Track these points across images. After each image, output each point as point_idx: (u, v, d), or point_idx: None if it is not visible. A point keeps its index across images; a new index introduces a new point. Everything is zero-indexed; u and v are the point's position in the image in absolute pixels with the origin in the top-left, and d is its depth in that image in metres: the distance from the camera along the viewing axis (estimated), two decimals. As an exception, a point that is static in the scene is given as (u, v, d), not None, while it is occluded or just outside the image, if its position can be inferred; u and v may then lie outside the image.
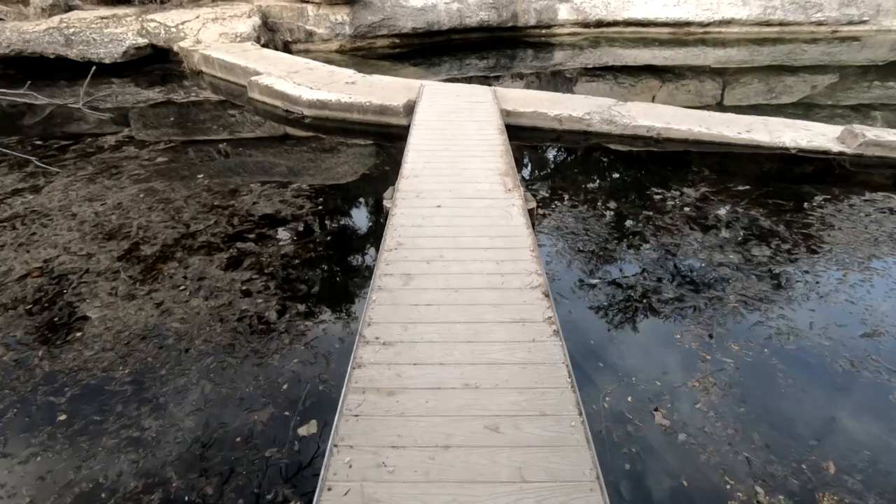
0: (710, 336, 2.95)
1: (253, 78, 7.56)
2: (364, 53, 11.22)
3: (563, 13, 12.22)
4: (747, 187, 4.90)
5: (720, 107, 9.33)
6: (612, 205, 4.61)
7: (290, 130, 6.65)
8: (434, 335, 2.56)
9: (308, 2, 10.49)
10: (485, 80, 10.45)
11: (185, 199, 4.66)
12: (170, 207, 4.51)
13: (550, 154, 5.93)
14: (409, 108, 6.39)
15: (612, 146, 6.05)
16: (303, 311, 3.27)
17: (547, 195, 4.81)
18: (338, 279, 3.66)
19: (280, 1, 10.79)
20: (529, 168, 5.61)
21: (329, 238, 4.13)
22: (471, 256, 3.22)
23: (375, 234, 4.17)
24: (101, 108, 7.58)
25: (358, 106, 6.53)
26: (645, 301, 3.37)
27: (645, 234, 4.13)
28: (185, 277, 3.55)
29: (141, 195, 4.74)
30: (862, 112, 8.95)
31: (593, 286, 3.50)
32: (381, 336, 2.55)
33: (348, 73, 7.62)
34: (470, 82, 10.63)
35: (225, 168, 5.40)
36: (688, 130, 5.78)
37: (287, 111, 7.13)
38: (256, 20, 10.10)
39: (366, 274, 3.70)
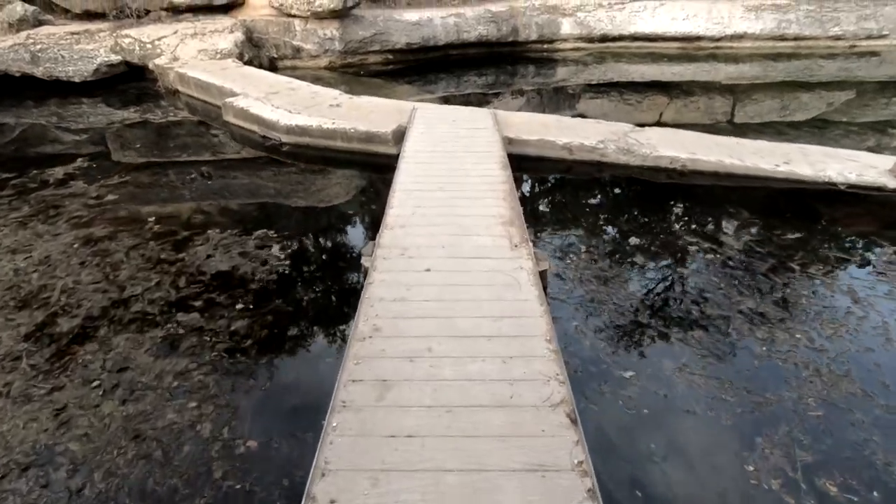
0: (795, 469, 2.17)
1: (228, 100, 6.84)
2: (355, 70, 10.55)
3: (567, 27, 11.58)
4: (798, 235, 4.14)
5: (731, 124, 8.76)
6: (639, 260, 3.83)
7: (265, 160, 5.90)
8: (415, 495, 1.77)
9: (294, 16, 9.82)
10: (483, 98, 9.78)
11: (128, 251, 3.88)
12: (106, 263, 3.73)
13: (560, 190, 5.17)
14: (399, 136, 5.66)
15: (630, 179, 5.31)
16: (244, 428, 2.47)
17: (558, 244, 4.05)
18: (299, 373, 2.87)
19: (265, 15, 10.13)
20: (536, 208, 4.84)
21: (294, 308, 3.34)
22: (469, 350, 2.44)
23: (351, 304, 3.37)
24: (62, 130, 6.85)
25: (341, 133, 5.79)
26: (697, 406, 2.59)
27: (686, 305, 3.33)
28: (102, 367, 2.77)
29: (76, 245, 3.97)
30: (879, 130, 8.36)
31: (626, 381, 2.72)
32: (340, 498, 1.76)
33: (333, 95, 6.90)
34: (468, 100, 9.97)
35: (181, 209, 4.64)
36: (717, 162, 5.04)
37: (264, 137, 6.39)
38: (239, 35, 9.42)
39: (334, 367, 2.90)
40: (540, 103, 9.90)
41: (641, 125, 9.16)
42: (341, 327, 3.21)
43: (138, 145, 6.47)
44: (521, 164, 5.50)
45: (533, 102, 9.92)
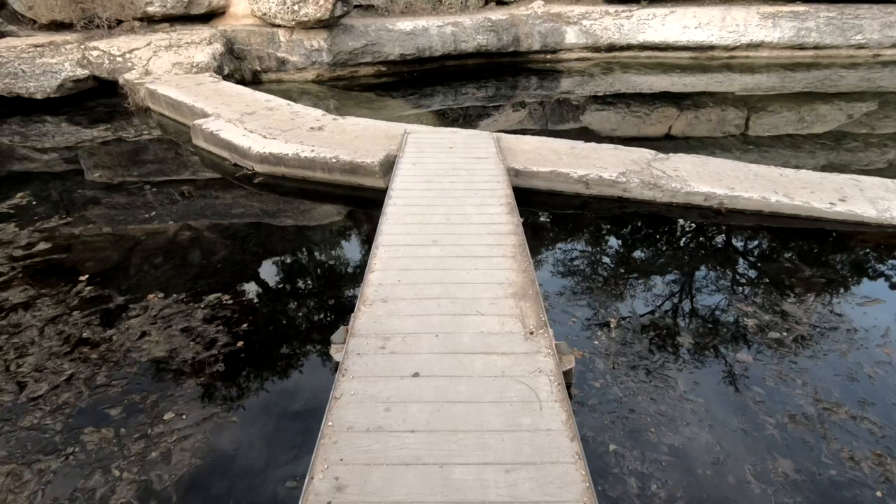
0: None
1: (197, 122, 6.07)
2: (345, 84, 9.81)
3: (571, 36, 10.86)
4: (882, 303, 3.36)
5: (744, 137, 8.09)
6: (685, 339, 3.05)
7: (233, 194, 5.12)
8: None
9: (279, 25, 9.08)
10: (483, 111, 9.07)
11: (43, 328, 3.10)
12: (11, 346, 2.95)
13: (575, 233, 4.39)
14: (388, 166, 4.89)
15: (656, 217, 4.55)
16: None
17: (579, 314, 3.26)
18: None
19: (248, 25, 9.40)
20: (547, 258, 4.06)
21: (241, 422, 2.55)
22: (471, 530, 1.67)
23: (310, 433, 2.52)
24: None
25: (321, 163, 5.02)
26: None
27: (757, 417, 2.55)
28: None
29: (-20, 317, 3.19)
30: (901, 143, 7.68)
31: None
32: None
33: (315, 116, 6.13)
34: (467, 113, 9.23)
35: (124, 262, 3.86)
36: (761, 200, 4.28)
37: (236, 165, 5.63)
38: (218, 47, 8.67)
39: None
40: (542, 115, 9.25)
41: (649, 139, 8.50)
42: (293, 475, 2.36)
43: (90, 176, 5.69)
44: (529, 197, 4.75)
45: (535, 115, 9.25)
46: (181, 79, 7.93)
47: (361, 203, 5.00)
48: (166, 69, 8.28)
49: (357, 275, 3.71)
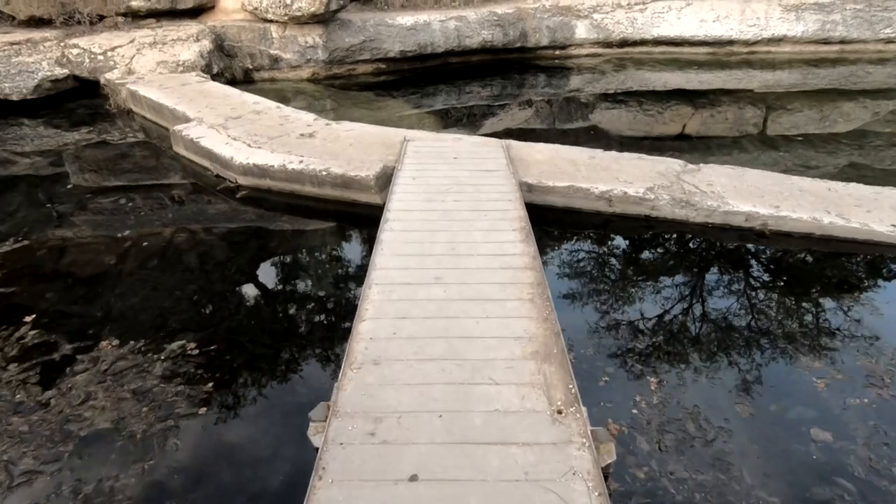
0: None
1: (177, 128, 5.54)
2: (342, 82, 9.25)
3: (582, 31, 10.27)
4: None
5: (762, 136, 7.55)
6: (744, 409, 2.49)
7: (213, 211, 4.60)
8: None
9: (271, 21, 8.52)
10: (488, 111, 8.56)
11: (-30, 386, 2.59)
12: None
13: (597, 263, 3.84)
14: (385, 180, 4.36)
15: (689, 239, 4.00)
16: None
17: (612, 371, 2.73)
18: None
19: (238, 20, 8.84)
20: (567, 295, 3.52)
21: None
22: None
23: None
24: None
25: (311, 175, 4.49)
26: None
27: None
28: None
29: None
30: (926, 141, 7.17)
31: None
32: None
33: (306, 121, 5.59)
34: (471, 113, 8.67)
35: (79, 297, 3.35)
36: (812, 222, 3.73)
37: (218, 176, 5.10)
38: (206, 44, 8.13)
39: None
40: (550, 114, 8.76)
41: (663, 138, 7.93)
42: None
43: (70, 182, 5.18)
44: (543, 215, 4.22)
45: (543, 114, 8.75)
46: (165, 79, 7.39)
47: (356, 221, 4.47)
48: (150, 68, 7.74)
49: (346, 316, 3.17)
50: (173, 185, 5.16)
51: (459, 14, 9.69)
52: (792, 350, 2.86)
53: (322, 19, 8.46)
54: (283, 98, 8.78)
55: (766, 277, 3.59)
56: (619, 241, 4.04)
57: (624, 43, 10.40)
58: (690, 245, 3.95)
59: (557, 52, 10.45)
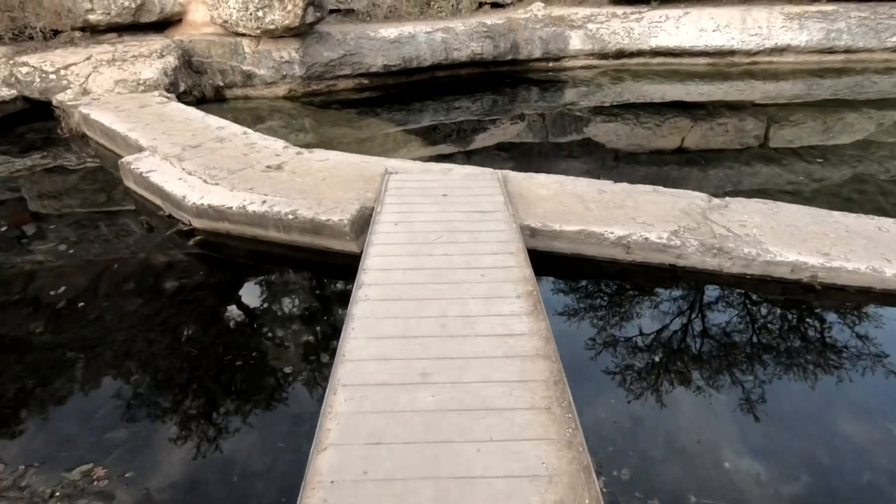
0: None
1: (126, 160, 4.84)
2: (322, 99, 8.60)
3: (576, 42, 9.72)
4: None
5: (764, 149, 7.18)
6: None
7: (158, 261, 3.89)
8: None
9: (243, 35, 7.86)
10: (479, 125, 8.02)
11: None
12: None
13: (616, 327, 3.19)
14: (363, 223, 3.70)
15: (726, 295, 3.38)
16: None
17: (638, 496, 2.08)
18: None
19: (208, 34, 8.16)
20: (582, 387, 2.87)
21: None
22: None
23: None
24: None
25: (275, 219, 3.82)
26: None
27: None
28: None
29: None
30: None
31: None
32: None
33: (274, 149, 4.92)
34: (460, 128, 8.07)
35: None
36: (871, 274, 3.13)
37: (171, 216, 4.42)
38: (171, 61, 7.44)
39: None
40: (542, 127, 8.26)
41: (660, 152, 7.41)
42: None
43: (26, 209, 4.46)
44: (548, 264, 3.58)
45: (535, 127, 8.26)
46: (123, 100, 6.69)
47: (328, 273, 3.80)
48: (108, 88, 7.03)
49: (299, 447, 2.42)
50: (119, 227, 4.46)
51: (447, 25, 9.10)
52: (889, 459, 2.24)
53: (298, 32, 7.81)
54: (257, 117, 8.12)
55: (834, 348, 2.96)
56: (642, 302, 3.37)
57: (620, 54, 9.87)
58: (730, 303, 3.31)
59: (551, 65, 9.89)
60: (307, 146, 7.08)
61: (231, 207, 3.91)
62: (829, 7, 9.65)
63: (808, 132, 7.90)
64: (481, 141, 7.42)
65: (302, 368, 2.92)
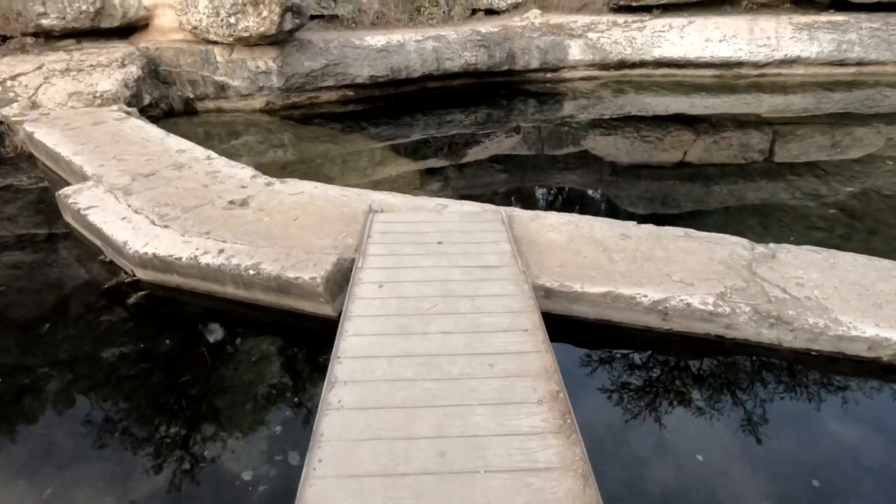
0: None
1: (64, 192, 4.11)
2: (303, 113, 7.91)
3: (576, 52, 9.13)
4: None
5: (769, 163, 6.73)
6: None
7: (94, 322, 3.19)
8: None
9: (214, 42, 7.15)
10: (472, 139, 7.51)
11: None
12: None
13: (653, 425, 2.55)
14: (340, 280, 3.03)
15: (781, 374, 2.76)
16: None
17: None
18: None
19: (176, 41, 7.44)
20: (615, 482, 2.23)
21: None
22: None
23: None
24: None
25: (234, 274, 3.13)
26: None
27: None
28: None
29: None
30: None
31: None
32: None
33: (241, 178, 4.22)
34: (452, 142, 7.45)
35: None
36: (970, 353, 2.55)
37: (112, 262, 3.71)
38: (133, 71, 6.70)
39: None
40: (538, 139, 7.76)
41: (662, 166, 6.91)
42: None
43: None
44: (565, 331, 2.94)
45: (530, 140, 7.75)
46: (75, 116, 5.95)
47: (301, 340, 3.11)
48: (60, 101, 6.29)
49: None
50: (49, 275, 3.73)
51: (438, 33, 8.47)
52: None
53: (275, 40, 7.12)
54: (232, 132, 7.42)
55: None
56: (686, 388, 2.73)
57: (622, 65, 9.31)
58: (796, 389, 2.67)
59: (549, 76, 9.29)
60: (285, 166, 6.42)
61: (180, 258, 3.21)
62: (840, 17, 9.19)
63: (816, 147, 7.55)
64: (474, 154, 6.93)
65: (261, 479, 2.24)
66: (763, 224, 5.06)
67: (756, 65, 9.18)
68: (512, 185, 6.33)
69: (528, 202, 6.25)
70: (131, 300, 3.35)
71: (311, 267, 3.04)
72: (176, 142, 5.09)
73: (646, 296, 2.84)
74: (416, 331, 2.48)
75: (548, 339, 2.41)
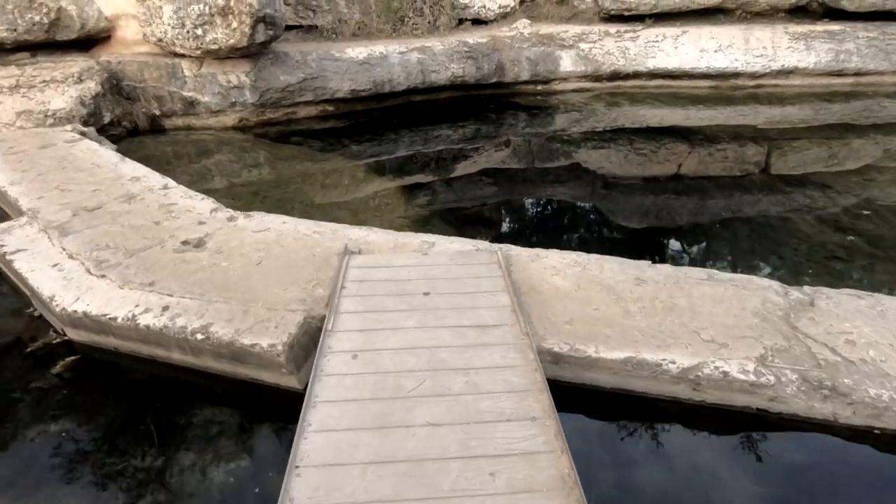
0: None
1: (-8, 230, 3.58)
2: (279, 129, 7.39)
3: (567, 63, 8.74)
4: None
5: (764, 175, 6.52)
6: None
7: (16, 393, 2.66)
8: None
9: (181, 55, 6.62)
10: (460, 154, 7.10)
11: None
12: None
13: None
14: (307, 344, 2.52)
15: (839, 457, 2.31)
16: None
17: None
18: None
19: (141, 54, 6.89)
20: None
21: None
22: None
23: None
24: None
25: (178, 338, 2.60)
26: None
27: None
28: None
29: None
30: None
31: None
32: None
33: (199, 213, 3.69)
34: (439, 156, 7.01)
35: None
36: None
37: (42, 317, 3.16)
38: (91, 87, 6.14)
39: None
40: (528, 152, 7.43)
41: (656, 179, 6.57)
42: None
43: None
44: (577, 399, 2.47)
45: (520, 153, 7.42)
46: (22, 137, 5.37)
47: (261, 417, 2.59)
48: (7, 121, 5.71)
49: None
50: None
51: (423, 44, 8.03)
52: None
53: (247, 53, 6.62)
54: (203, 151, 6.88)
55: None
56: (720, 475, 2.28)
57: (615, 76, 8.94)
58: (860, 478, 2.22)
59: (540, 88, 8.89)
60: (259, 189, 5.90)
61: (115, 318, 2.68)
62: (836, 27, 8.93)
63: (813, 159, 7.34)
64: (462, 169, 6.61)
65: None
66: (778, 255, 4.67)
67: (753, 75, 8.87)
68: (501, 198, 6.00)
69: (519, 219, 5.88)
70: (60, 366, 2.81)
71: (271, 330, 2.52)
72: (131, 168, 4.55)
73: (673, 362, 2.37)
74: (398, 422, 1.97)
75: (561, 431, 1.93)
